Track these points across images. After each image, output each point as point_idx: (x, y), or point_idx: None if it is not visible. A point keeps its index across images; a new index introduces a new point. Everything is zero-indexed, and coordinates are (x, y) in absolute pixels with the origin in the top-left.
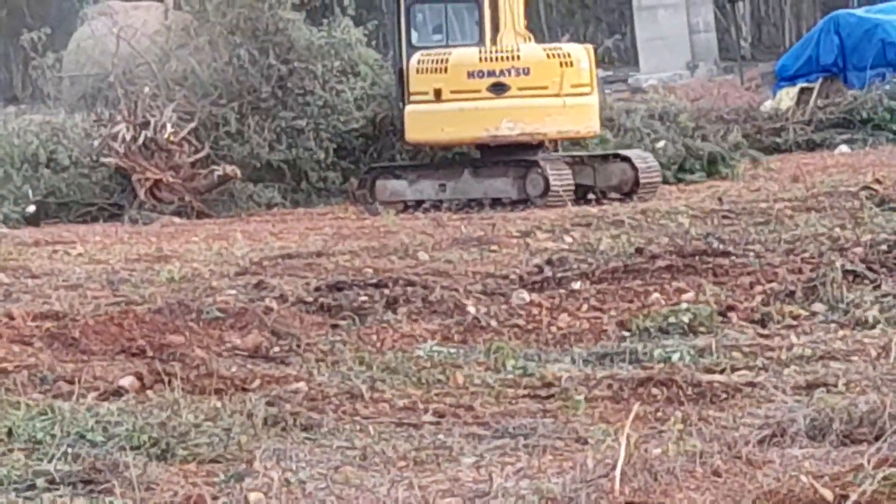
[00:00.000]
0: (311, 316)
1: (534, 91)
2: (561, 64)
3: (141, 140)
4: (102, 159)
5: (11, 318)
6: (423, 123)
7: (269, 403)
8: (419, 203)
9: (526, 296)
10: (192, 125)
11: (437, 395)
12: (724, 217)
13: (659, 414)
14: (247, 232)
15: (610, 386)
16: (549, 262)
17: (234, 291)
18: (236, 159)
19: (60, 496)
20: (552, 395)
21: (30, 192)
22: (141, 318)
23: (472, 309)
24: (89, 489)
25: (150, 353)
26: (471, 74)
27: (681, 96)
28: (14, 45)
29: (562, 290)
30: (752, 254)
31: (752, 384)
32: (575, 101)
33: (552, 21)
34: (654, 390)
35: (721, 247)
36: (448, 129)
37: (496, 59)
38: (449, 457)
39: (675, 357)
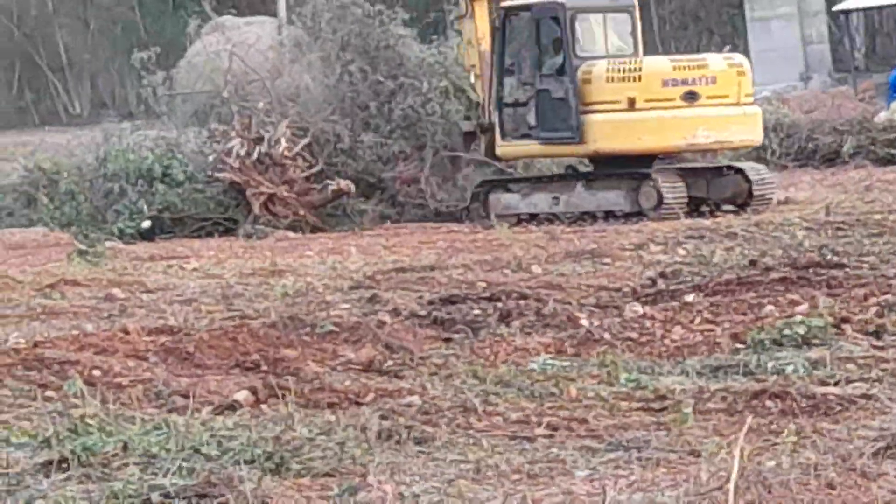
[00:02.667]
0: (424, 329)
1: (719, 100)
2: (738, 73)
3: (255, 155)
4: (217, 174)
5: (127, 332)
6: (616, 132)
7: (382, 417)
8: (533, 216)
9: (639, 308)
10: (306, 140)
11: (550, 408)
12: (838, 229)
13: (773, 426)
14: (360, 246)
15: (724, 398)
16: (662, 274)
17: (347, 305)
18: (349, 174)
19: None
20: (665, 408)
21: (145, 207)
22: (255, 332)
23: (585, 322)
24: (204, 503)
25: (264, 368)
26: (665, 83)
27: (794, 108)
28: (129, 62)
29: (675, 303)
30: (866, 265)
31: (866, 396)
32: (749, 110)
33: (665, 34)
34: (768, 403)
35: (835, 259)
36: (646, 138)
37: (687, 67)
38: (562, 470)
39: (790, 369)
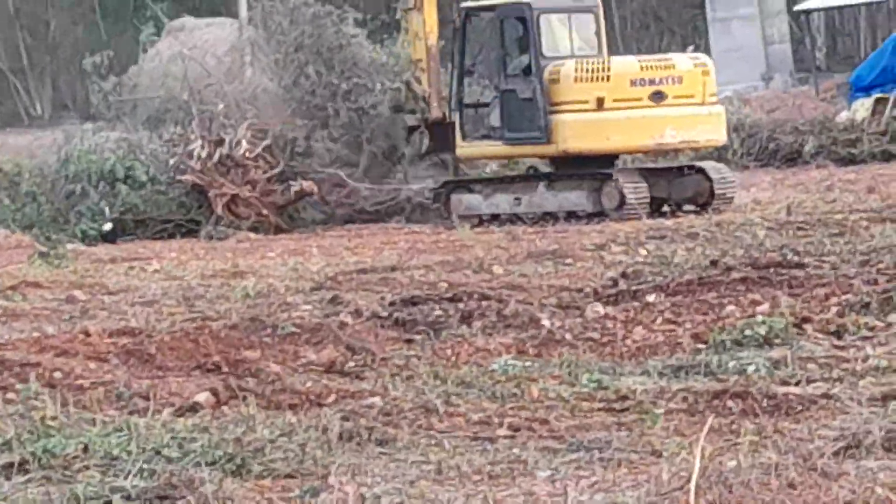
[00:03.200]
0: (385, 331)
1: (685, 99)
2: (703, 73)
3: (217, 157)
4: (179, 176)
5: (88, 334)
6: (584, 132)
7: (343, 418)
8: (494, 217)
9: (601, 309)
10: (267, 142)
11: (511, 408)
12: (799, 228)
13: (734, 426)
14: (322, 247)
15: (685, 399)
16: (623, 274)
17: (309, 307)
18: (310, 175)
19: None
20: (627, 409)
21: (107, 209)
22: (216, 333)
23: (546, 322)
24: None
25: (225, 369)
26: (633, 82)
27: (756, 108)
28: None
29: (636, 303)
30: (827, 265)
31: (827, 396)
32: (713, 110)
33: (627, 34)
34: (730, 403)
35: (796, 258)
36: (614, 138)
37: (655, 67)
38: (524, 471)
39: (751, 369)
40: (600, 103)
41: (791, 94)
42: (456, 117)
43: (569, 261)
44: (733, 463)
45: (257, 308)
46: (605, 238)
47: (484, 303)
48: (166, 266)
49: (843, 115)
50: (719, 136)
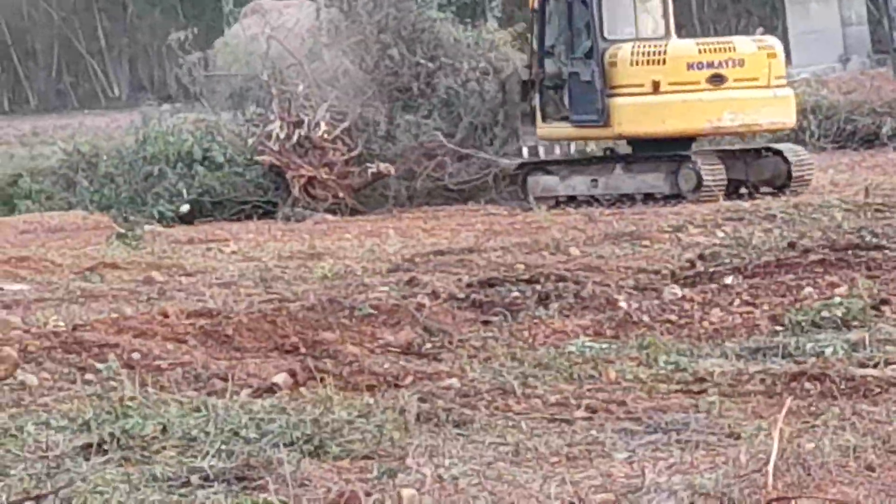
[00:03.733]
0: (462, 312)
1: (748, 83)
2: (768, 55)
3: (295, 138)
4: (257, 157)
5: (166, 315)
6: (639, 115)
7: (421, 400)
8: (571, 199)
9: (678, 291)
10: (346, 124)
11: (589, 390)
12: (877, 210)
13: (812, 408)
14: (399, 229)
15: (763, 381)
16: (700, 256)
17: (386, 288)
18: (388, 157)
19: (214, 493)
20: (705, 390)
21: (184, 190)
22: (294, 315)
23: (623, 304)
24: (243, 486)
25: (302, 350)
26: (690, 66)
27: (833, 89)
28: (167, 44)
29: (714, 285)
30: None
31: None
32: (780, 93)
33: (704, 16)
34: (807, 385)
35: (874, 240)
36: (670, 121)
37: (714, 50)
38: (601, 452)
39: (829, 351)
40: (656, 87)
41: (868, 76)
42: (537, 99)
43: (646, 242)
44: (812, 445)
45: (334, 289)
46: (682, 220)
47: (561, 284)
48: (243, 247)
49: None
50: (786, 119)
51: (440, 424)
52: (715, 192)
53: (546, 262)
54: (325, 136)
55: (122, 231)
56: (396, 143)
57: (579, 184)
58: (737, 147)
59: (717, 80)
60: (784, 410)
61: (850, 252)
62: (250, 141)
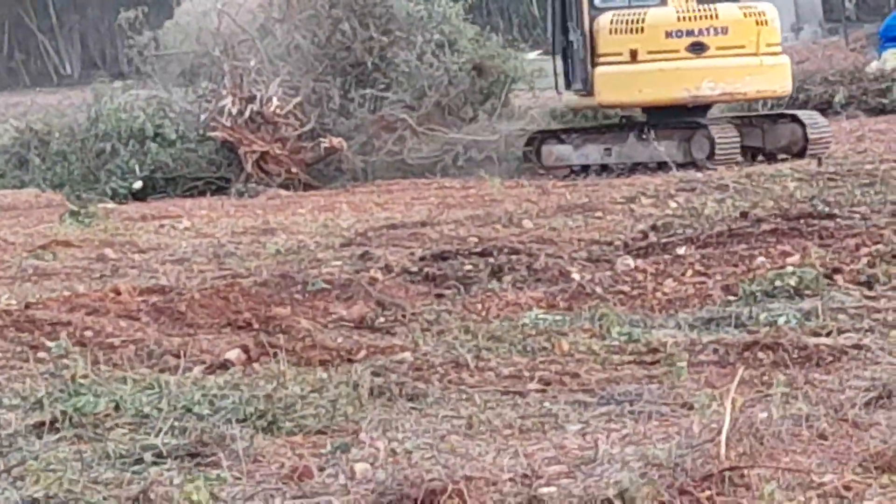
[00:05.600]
0: (416, 286)
1: (732, 50)
2: (757, 22)
3: (247, 114)
4: (209, 133)
5: (118, 292)
6: (618, 84)
7: (374, 374)
8: (585, 168)
9: (631, 262)
10: (298, 99)
11: (542, 362)
12: (830, 179)
13: (765, 378)
14: (352, 203)
15: (716, 350)
16: (653, 227)
17: (339, 263)
18: (341, 132)
19: (167, 470)
20: (657, 361)
21: (137, 167)
22: (247, 291)
23: (576, 276)
24: (196, 462)
25: (255, 326)
26: (668, 34)
27: None
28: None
29: (666, 256)
30: (857, 216)
31: (858, 346)
32: (771, 61)
33: None
34: (760, 354)
35: (826, 209)
36: (646, 90)
37: (694, 18)
38: (555, 424)
39: (781, 320)
40: (633, 55)
41: (821, 45)
42: (558, 66)
43: (599, 214)
44: (764, 414)
45: (287, 265)
46: (634, 191)
47: (514, 257)
48: (196, 224)
49: (874, 66)
50: (777, 87)
51: (393, 398)
52: (729, 159)
53: (499, 234)
54: (278, 111)
55: (75, 209)
56: (350, 117)
57: (593, 152)
58: (753, 114)
59: (697, 48)
60: (737, 380)
61: (802, 221)
62: (203, 117)
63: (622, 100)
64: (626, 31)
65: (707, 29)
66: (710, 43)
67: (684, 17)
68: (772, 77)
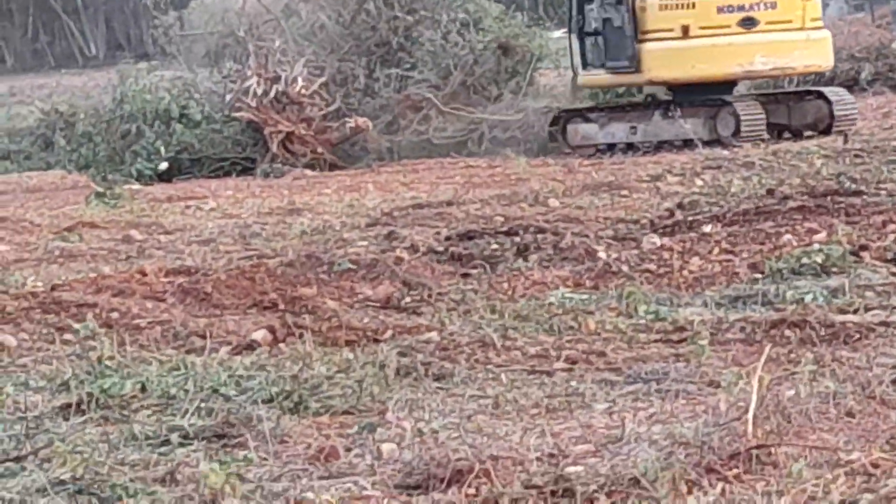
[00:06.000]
0: (442, 265)
1: (780, 25)
2: None
3: (272, 94)
4: (234, 114)
5: (144, 274)
6: (669, 61)
7: (401, 354)
8: (611, 146)
9: (657, 240)
10: (323, 79)
11: (568, 341)
12: (856, 156)
13: (792, 356)
14: (378, 183)
15: (742, 329)
16: (679, 205)
17: (365, 243)
18: (367, 112)
19: (194, 451)
20: (684, 340)
21: (162, 148)
22: (273, 271)
23: (603, 254)
24: (223, 443)
25: (281, 307)
26: (720, 9)
27: None
28: (143, 2)
29: (693, 234)
30: (884, 192)
31: (885, 324)
32: (816, 35)
33: None
34: (787, 332)
35: (853, 186)
36: (699, 66)
37: None
38: (581, 403)
39: (808, 298)
40: (685, 31)
41: (846, 21)
42: (577, 46)
43: (625, 192)
44: (791, 392)
45: (313, 245)
46: (660, 169)
47: (540, 236)
48: (222, 204)
49: None
50: (822, 62)
51: (420, 378)
52: (755, 136)
53: (525, 213)
54: (303, 91)
55: (101, 190)
56: (376, 97)
57: (618, 131)
58: (779, 91)
59: (748, 23)
60: (763, 358)
61: (828, 198)
62: (228, 97)
63: (675, 76)
64: (677, 7)
65: (757, 4)
66: (761, 18)
67: None
68: (817, 51)
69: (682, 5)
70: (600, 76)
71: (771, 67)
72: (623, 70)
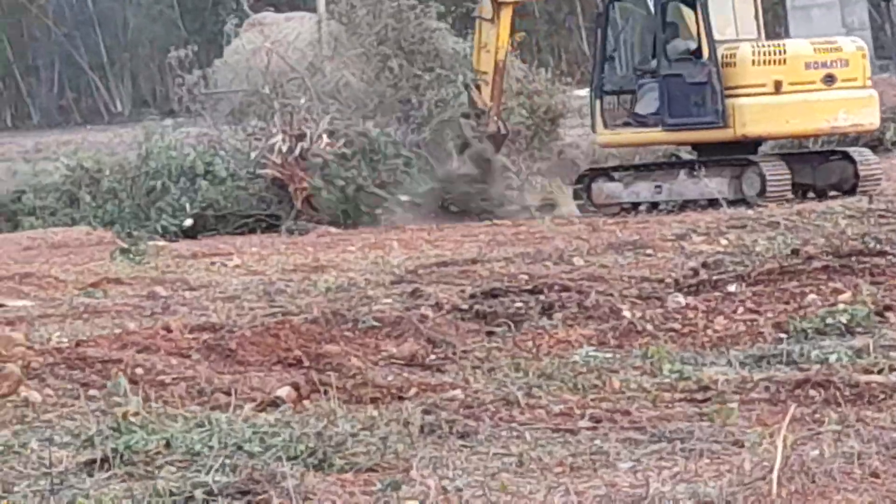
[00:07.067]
0: (466, 323)
1: (851, 82)
2: (862, 56)
3: (297, 151)
4: (259, 171)
5: (169, 330)
6: (764, 116)
7: (425, 411)
8: (635, 205)
9: (681, 299)
10: (348, 137)
11: (593, 400)
12: (881, 216)
13: (816, 416)
14: (403, 240)
15: (767, 388)
16: (704, 264)
17: (389, 300)
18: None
19: None
20: (709, 399)
21: (188, 204)
22: (297, 328)
23: (627, 313)
24: (247, 500)
25: (306, 364)
26: (808, 66)
27: None
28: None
29: (717, 293)
30: None
31: None
32: (871, 93)
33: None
34: (812, 392)
35: (878, 246)
36: (793, 121)
37: (825, 50)
38: (605, 462)
39: (833, 358)
40: (778, 86)
41: (872, 82)
42: (597, 105)
43: (649, 251)
44: (816, 452)
45: (338, 302)
46: (685, 228)
47: (564, 294)
48: (247, 261)
49: None
50: (875, 119)
51: (444, 436)
52: (780, 196)
53: (549, 271)
54: (328, 148)
55: (126, 246)
56: (399, 156)
57: (643, 190)
58: (804, 150)
59: (829, 79)
60: (788, 418)
61: (853, 258)
62: (253, 154)
63: (768, 131)
64: (769, 63)
65: (836, 61)
66: (838, 75)
67: (819, 50)
68: (874, 109)
69: (775, 61)
70: (638, 134)
71: (850, 124)
72: (699, 126)
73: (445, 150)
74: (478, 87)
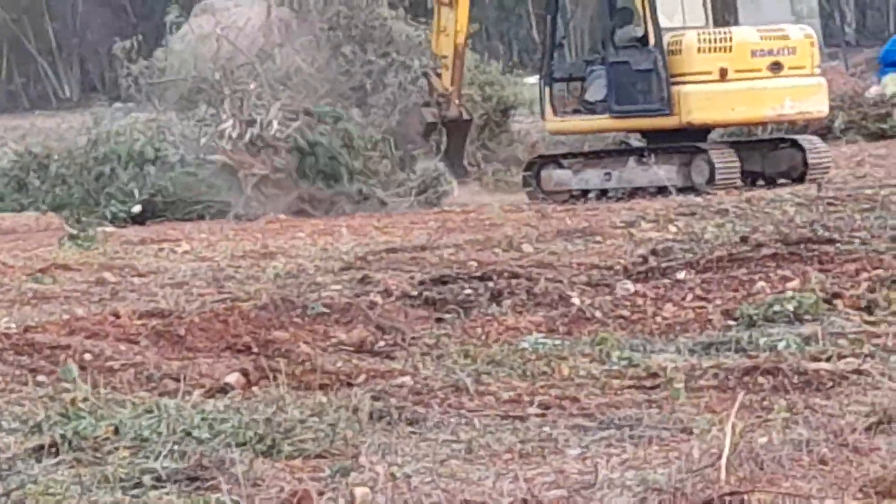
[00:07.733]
0: (415, 310)
1: (799, 70)
2: (811, 44)
3: (247, 137)
4: (209, 157)
5: (117, 316)
6: (709, 103)
7: (374, 398)
8: (584, 192)
9: (630, 286)
10: (298, 123)
11: (542, 387)
12: (829, 204)
13: (765, 403)
14: (352, 227)
15: (715, 375)
16: (653, 251)
17: (338, 287)
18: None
19: (167, 493)
20: (657, 386)
21: (136, 190)
22: (246, 314)
23: (576, 300)
24: (195, 486)
25: (255, 350)
26: (754, 53)
27: None
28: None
29: (666, 280)
30: (857, 240)
31: (858, 372)
32: (819, 81)
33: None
34: (760, 379)
35: (826, 234)
36: (739, 109)
37: (772, 37)
38: (554, 449)
39: (781, 345)
40: (723, 74)
41: (821, 70)
42: (546, 93)
43: (598, 238)
44: (764, 439)
45: (287, 288)
46: (634, 215)
47: (514, 281)
48: (196, 247)
49: (873, 91)
50: (824, 107)
51: (393, 423)
52: (729, 183)
53: (499, 259)
54: (278, 134)
55: (74, 232)
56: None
57: (593, 177)
58: (752, 138)
59: (776, 67)
60: (737, 405)
61: (802, 246)
62: (202, 140)
63: (713, 118)
64: (714, 50)
65: (782, 49)
66: (785, 62)
67: (765, 37)
68: (822, 96)
69: (720, 48)
70: (586, 121)
71: (796, 111)
72: (645, 113)
73: (408, 137)
74: (438, 75)
